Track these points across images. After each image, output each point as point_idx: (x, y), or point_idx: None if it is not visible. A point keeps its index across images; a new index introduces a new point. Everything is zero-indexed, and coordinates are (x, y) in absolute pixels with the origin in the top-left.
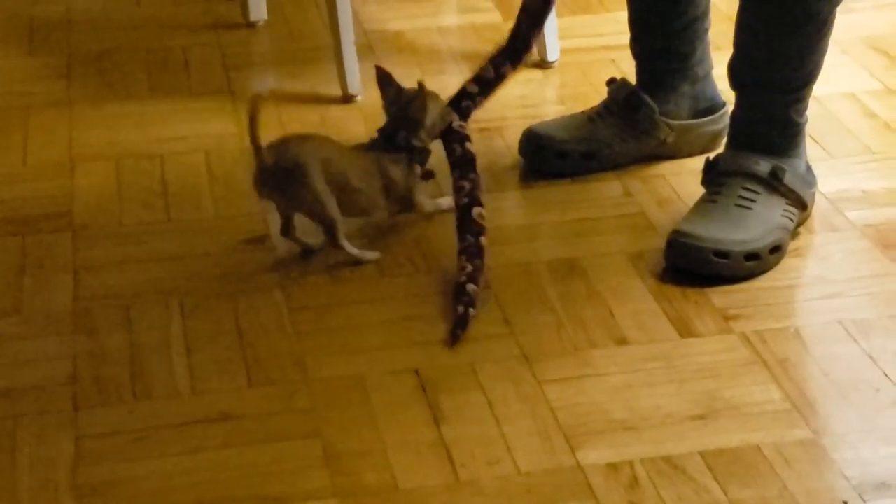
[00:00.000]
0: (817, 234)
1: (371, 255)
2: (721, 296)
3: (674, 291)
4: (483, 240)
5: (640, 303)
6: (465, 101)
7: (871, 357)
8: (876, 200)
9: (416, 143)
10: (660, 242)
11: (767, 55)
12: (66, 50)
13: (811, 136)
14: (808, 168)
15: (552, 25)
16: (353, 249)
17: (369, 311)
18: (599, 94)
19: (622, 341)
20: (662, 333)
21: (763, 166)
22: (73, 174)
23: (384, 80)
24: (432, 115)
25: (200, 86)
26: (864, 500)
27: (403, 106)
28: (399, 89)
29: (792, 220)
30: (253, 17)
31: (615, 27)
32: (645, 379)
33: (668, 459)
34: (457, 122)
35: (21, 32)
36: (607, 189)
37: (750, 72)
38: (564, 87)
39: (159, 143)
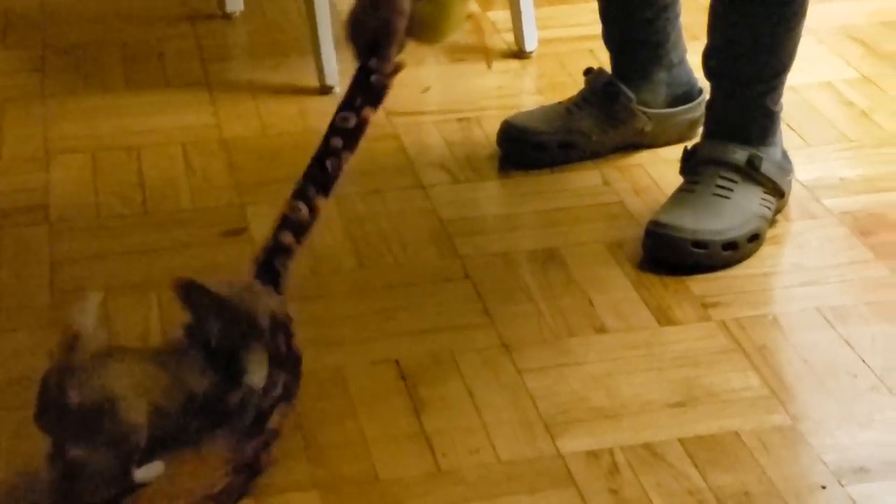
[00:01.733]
0: (795, 221)
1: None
2: (699, 284)
3: (652, 280)
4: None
5: (618, 291)
6: (276, 260)
7: (848, 343)
8: (853, 188)
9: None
10: (638, 231)
11: (741, 44)
12: (40, 42)
13: (788, 125)
14: (785, 156)
15: (529, 15)
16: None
17: (348, 302)
18: (577, 85)
19: (601, 330)
20: (641, 322)
21: (740, 155)
22: (48, 167)
23: (192, 293)
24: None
25: (177, 78)
26: (843, 485)
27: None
28: (218, 303)
29: (769, 208)
30: (229, 8)
31: (592, 17)
32: (624, 367)
33: (647, 446)
34: (277, 304)
35: None
36: (585, 179)
37: (724, 61)
38: (542, 77)
39: (136, 136)
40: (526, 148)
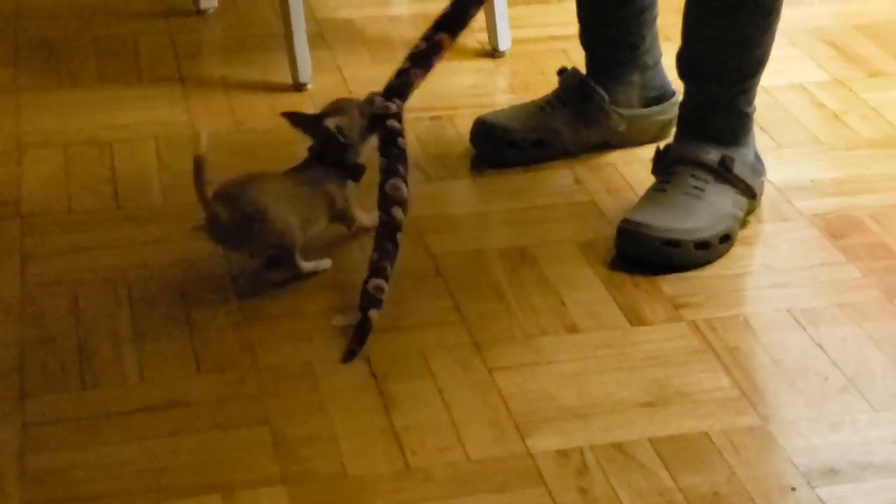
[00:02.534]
0: (766, 223)
1: (325, 263)
2: (671, 284)
3: (624, 279)
4: (397, 212)
5: (590, 291)
6: (395, 81)
7: (819, 345)
8: (824, 190)
9: (349, 161)
10: (610, 231)
11: (715, 45)
12: (13, 37)
13: (760, 126)
14: (757, 157)
15: (503, 14)
16: (308, 265)
17: (318, 298)
18: (550, 84)
19: (572, 329)
20: (612, 321)
21: (712, 155)
22: (20, 161)
23: (296, 119)
24: (352, 127)
25: (150, 73)
26: (812, 487)
27: (321, 127)
28: (308, 117)
29: (741, 209)
30: (203, 4)
31: (566, 17)
32: (595, 366)
33: (617, 446)
34: (380, 105)
35: None
36: (558, 177)
37: (698, 62)
38: (515, 76)
39: (108, 131)
40: (499, 146)
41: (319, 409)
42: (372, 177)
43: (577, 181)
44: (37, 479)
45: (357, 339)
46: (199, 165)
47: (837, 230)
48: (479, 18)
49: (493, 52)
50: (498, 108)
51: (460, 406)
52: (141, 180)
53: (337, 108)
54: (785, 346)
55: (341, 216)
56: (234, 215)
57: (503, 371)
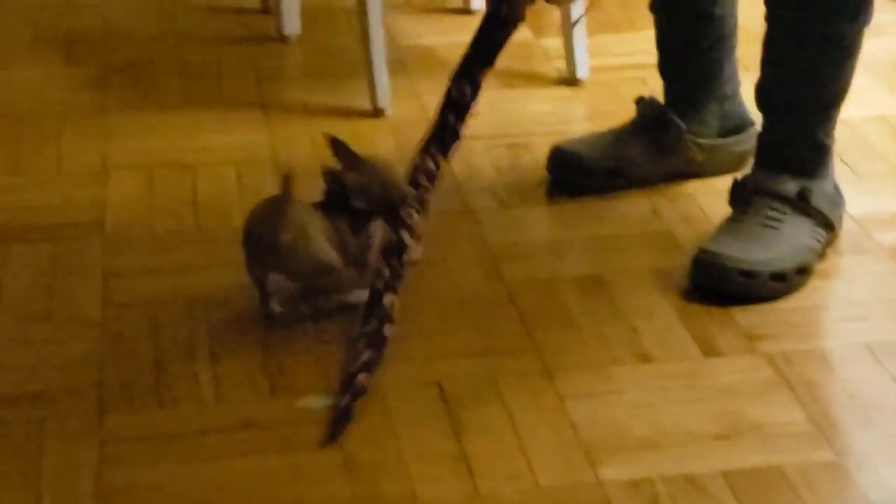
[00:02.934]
0: (844, 255)
1: (362, 293)
2: (746, 315)
3: (698, 310)
4: (388, 329)
5: (663, 320)
6: (419, 191)
7: (895, 380)
8: None
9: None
10: (685, 261)
11: (794, 76)
12: (101, 60)
13: (840, 158)
14: (837, 189)
15: (581, 43)
16: (350, 296)
17: (395, 322)
18: (627, 112)
19: (645, 358)
20: (686, 352)
21: (790, 187)
22: (106, 183)
23: (340, 149)
24: (391, 191)
25: (233, 97)
26: None
27: (366, 179)
28: (356, 159)
29: (819, 241)
30: (287, 30)
31: (644, 45)
32: (667, 397)
33: (689, 478)
34: (409, 200)
35: (59, 43)
36: (634, 207)
37: (777, 93)
38: (593, 104)
39: (191, 154)
40: (575, 174)
41: (390, 434)
42: None
43: (654, 211)
44: (111, 496)
45: (341, 425)
46: (287, 182)
47: None
48: (558, 47)
49: (571, 80)
50: (575, 137)
51: (530, 433)
52: (221, 203)
53: (369, 170)
54: (860, 381)
55: (356, 262)
56: (277, 237)
57: (574, 399)
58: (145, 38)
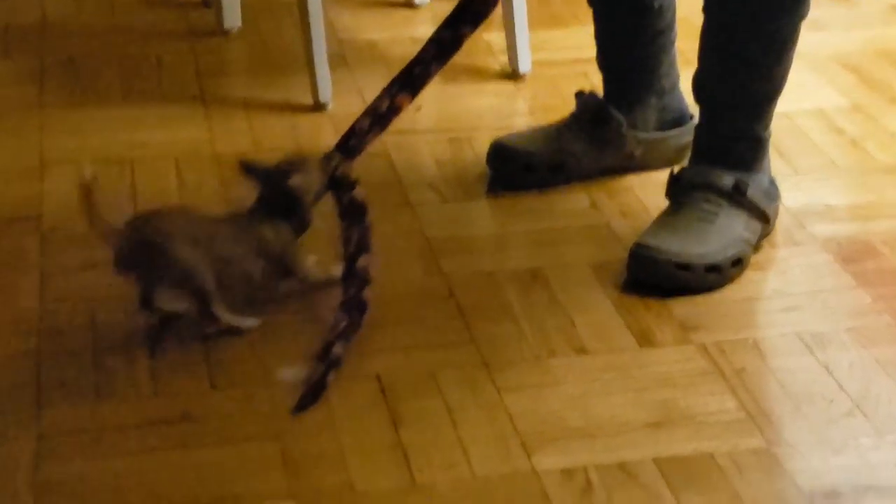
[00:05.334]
0: (779, 247)
1: (250, 321)
2: (681, 307)
3: (635, 302)
4: (367, 293)
5: (601, 313)
6: (352, 141)
7: (826, 369)
8: (839, 215)
9: (299, 216)
10: (624, 254)
11: (730, 70)
12: (39, 54)
13: (778, 151)
14: (772, 182)
15: (524, 37)
16: (230, 318)
17: (331, 316)
18: (569, 107)
19: (581, 350)
20: (622, 343)
21: (726, 180)
22: (42, 178)
23: (249, 169)
24: (310, 187)
25: (173, 92)
26: None
27: (278, 183)
28: (267, 171)
29: (754, 233)
30: (227, 24)
31: (586, 40)
32: (602, 388)
33: (622, 466)
34: (342, 169)
35: None
36: (573, 200)
37: (713, 86)
38: (535, 98)
39: (130, 149)
40: (515, 169)
41: (329, 427)
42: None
43: (593, 204)
44: (49, 490)
45: (312, 395)
46: (87, 194)
47: (850, 255)
48: (500, 41)
49: (513, 75)
50: (516, 131)
51: (468, 425)
52: (161, 198)
53: (296, 165)
54: (792, 370)
55: (283, 269)
56: (137, 243)
57: (512, 391)
58: (84, 32)
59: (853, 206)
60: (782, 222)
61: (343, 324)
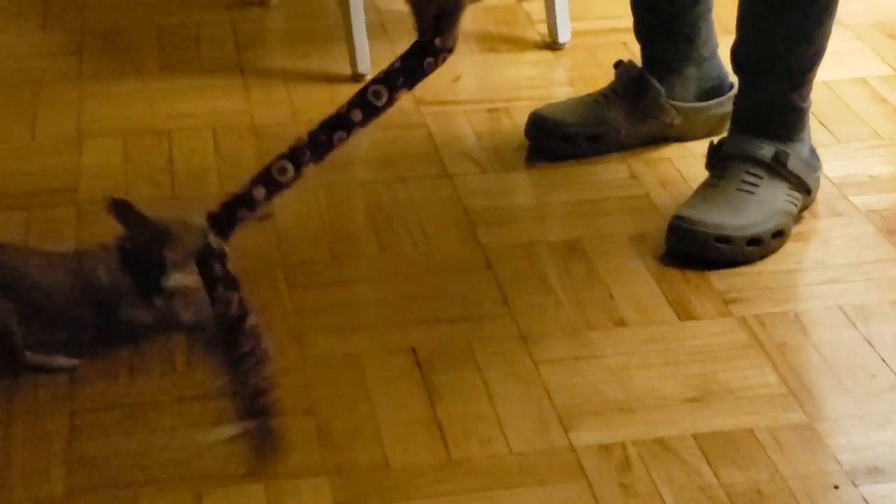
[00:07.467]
0: (821, 218)
1: (63, 361)
2: (722, 279)
3: (674, 274)
4: (265, 345)
5: (640, 285)
6: (240, 211)
7: (869, 342)
8: (882, 186)
9: (152, 280)
10: (663, 225)
11: (769, 39)
12: (78, 26)
13: (819, 121)
14: (813, 152)
15: (563, 7)
16: (37, 358)
17: (368, 289)
18: (608, 77)
19: (620, 323)
20: (661, 316)
21: (766, 150)
22: (80, 150)
23: (121, 211)
24: (180, 258)
25: (211, 63)
26: (856, 485)
27: (148, 245)
28: (142, 224)
29: (795, 204)
30: None
31: (626, 9)
32: (641, 361)
33: (660, 441)
34: (214, 241)
35: (35, 8)
36: (612, 171)
37: (752, 55)
38: (574, 68)
39: (168, 120)
40: (554, 139)
41: (363, 400)
42: None
43: (632, 175)
44: (82, 465)
45: (267, 449)
46: None
47: (893, 226)
48: (539, 11)
49: (552, 45)
50: (555, 101)
51: (504, 398)
52: (198, 170)
53: (173, 235)
54: (834, 343)
55: (104, 310)
56: None
57: (549, 364)
58: (122, 4)
59: None
60: (824, 193)
61: (261, 383)
